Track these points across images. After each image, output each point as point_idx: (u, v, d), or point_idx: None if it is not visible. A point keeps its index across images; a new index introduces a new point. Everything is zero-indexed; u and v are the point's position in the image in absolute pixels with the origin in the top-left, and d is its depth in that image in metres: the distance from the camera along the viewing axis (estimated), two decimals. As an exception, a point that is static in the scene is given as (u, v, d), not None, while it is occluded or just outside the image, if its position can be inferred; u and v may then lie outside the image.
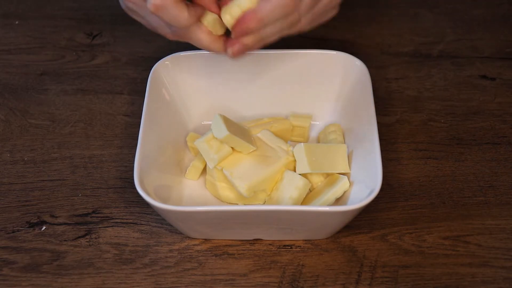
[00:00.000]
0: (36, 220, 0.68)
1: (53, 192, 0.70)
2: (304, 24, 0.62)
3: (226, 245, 0.66)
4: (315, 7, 0.61)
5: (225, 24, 0.62)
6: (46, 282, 0.63)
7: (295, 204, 0.65)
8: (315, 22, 0.63)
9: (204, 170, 0.70)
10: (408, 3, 0.91)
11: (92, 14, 0.90)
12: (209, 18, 0.62)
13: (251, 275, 0.64)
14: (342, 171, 0.67)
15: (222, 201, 0.68)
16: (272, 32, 0.61)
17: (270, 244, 0.66)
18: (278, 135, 0.70)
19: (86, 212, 0.69)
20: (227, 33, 0.63)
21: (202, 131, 0.73)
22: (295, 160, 0.68)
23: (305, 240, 0.66)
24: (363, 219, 0.67)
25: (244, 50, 0.62)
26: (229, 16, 0.61)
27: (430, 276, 0.63)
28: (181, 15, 0.60)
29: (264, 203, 0.67)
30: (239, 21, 0.60)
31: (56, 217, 0.68)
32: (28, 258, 0.65)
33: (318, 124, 0.75)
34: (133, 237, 0.67)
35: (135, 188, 0.61)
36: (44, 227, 0.68)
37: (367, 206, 0.60)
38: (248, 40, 0.61)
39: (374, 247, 0.65)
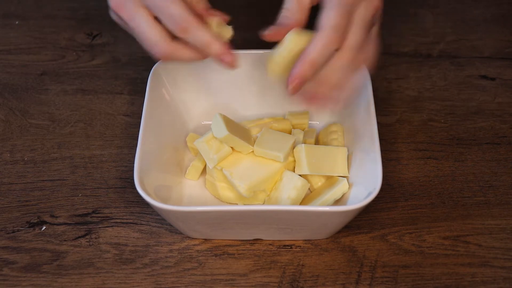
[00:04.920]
0: (36, 220, 0.68)
1: (53, 192, 0.70)
2: (362, 59, 0.62)
3: (226, 245, 0.66)
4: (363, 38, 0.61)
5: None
6: (46, 282, 0.63)
7: (294, 204, 0.65)
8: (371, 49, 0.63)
9: (204, 170, 0.70)
10: (408, 3, 0.91)
11: (92, 14, 0.90)
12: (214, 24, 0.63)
13: (251, 275, 0.64)
14: (341, 174, 0.67)
15: (222, 201, 0.68)
16: (333, 75, 0.61)
17: (270, 244, 0.66)
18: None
19: (86, 212, 0.69)
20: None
21: (202, 131, 0.73)
22: (294, 160, 0.68)
23: (305, 240, 0.66)
24: (363, 219, 0.67)
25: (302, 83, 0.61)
26: (276, 66, 0.62)
27: (430, 276, 0.63)
28: (207, 35, 0.59)
29: (263, 203, 0.67)
30: (291, 73, 0.59)
31: (56, 217, 0.68)
32: (28, 258, 0.65)
33: (318, 124, 0.75)
34: (133, 237, 0.67)
35: (135, 188, 0.61)
36: (44, 227, 0.68)
37: (367, 206, 0.60)
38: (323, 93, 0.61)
39: (374, 247, 0.65)
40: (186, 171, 0.70)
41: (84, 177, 0.72)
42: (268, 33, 0.61)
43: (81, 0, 0.92)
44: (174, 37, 0.60)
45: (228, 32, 0.64)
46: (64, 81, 0.82)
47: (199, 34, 0.60)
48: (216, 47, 0.60)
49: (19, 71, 0.83)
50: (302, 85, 0.60)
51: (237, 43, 0.64)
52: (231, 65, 0.61)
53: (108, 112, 0.78)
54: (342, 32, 0.59)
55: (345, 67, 0.60)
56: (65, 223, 0.68)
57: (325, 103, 0.63)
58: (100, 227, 0.67)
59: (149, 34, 0.60)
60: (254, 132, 0.70)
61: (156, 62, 0.72)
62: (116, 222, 0.68)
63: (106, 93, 0.80)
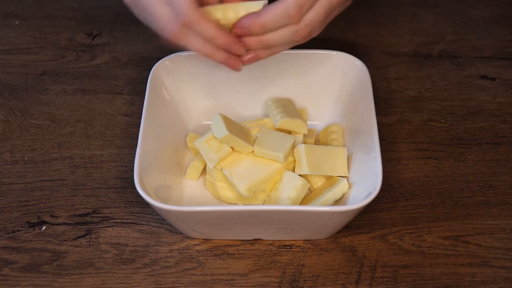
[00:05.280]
0: (36, 220, 0.68)
1: (53, 192, 0.70)
2: (307, 34, 0.62)
3: (226, 245, 0.66)
4: (321, 19, 0.61)
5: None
6: (46, 282, 0.64)
7: (294, 204, 0.65)
8: (320, 29, 0.63)
9: (204, 170, 0.70)
10: (408, 3, 0.91)
11: (92, 14, 0.91)
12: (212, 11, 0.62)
13: (251, 275, 0.64)
14: (341, 174, 0.67)
15: (222, 201, 0.68)
16: (276, 40, 0.61)
17: (270, 244, 0.66)
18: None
19: (86, 212, 0.69)
20: None
21: (202, 131, 0.73)
22: (294, 160, 0.68)
23: (305, 240, 0.66)
24: (363, 219, 0.67)
25: (254, 60, 0.62)
26: (234, 14, 0.61)
27: (430, 276, 0.63)
28: (212, 27, 0.59)
29: (263, 203, 0.67)
30: (241, 22, 0.60)
31: (56, 217, 0.68)
32: (28, 258, 0.65)
33: (318, 124, 0.75)
34: (133, 237, 0.67)
35: (135, 188, 0.61)
36: (44, 227, 0.68)
37: (367, 206, 0.60)
38: (255, 47, 0.62)
39: (374, 247, 0.65)
40: (186, 171, 0.70)
41: (84, 177, 0.72)
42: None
43: (81, 0, 0.92)
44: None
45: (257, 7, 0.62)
46: (64, 81, 0.82)
47: (202, 27, 0.59)
48: (222, 39, 0.60)
49: (19, 71, 0.83)
50: (245, 36, 0.61)
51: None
52: (236, 66, 0.62)
53: (108, 112, 0.78)
54: (304, 12, 0.59)
55: (291, 38, 0.61)
56: (65, 223, 0.68)
57: (249, 60, 0.63)
58: (100, 227, 0.67)
59: (161, 12, 0.59)
60: (254, 132, 0.70)
61: (156, 62, 0.72)
62: (116, 222, 0.68)
63: (106, 93, 0.80)
